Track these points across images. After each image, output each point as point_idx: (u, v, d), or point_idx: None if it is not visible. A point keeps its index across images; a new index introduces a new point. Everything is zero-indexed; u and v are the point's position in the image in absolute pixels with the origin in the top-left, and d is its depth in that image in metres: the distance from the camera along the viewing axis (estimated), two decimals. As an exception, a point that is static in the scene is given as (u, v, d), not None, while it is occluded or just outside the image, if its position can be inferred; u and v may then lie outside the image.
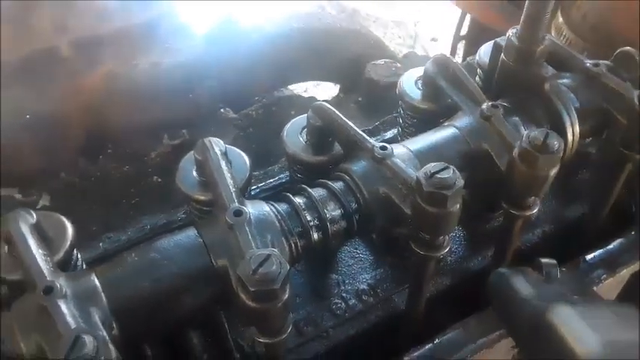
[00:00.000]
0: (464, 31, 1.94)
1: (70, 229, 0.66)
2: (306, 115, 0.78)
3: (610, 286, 0.82)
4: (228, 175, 0.66)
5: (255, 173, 0.89)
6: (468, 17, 1.84)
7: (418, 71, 0.85)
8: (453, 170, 0.60)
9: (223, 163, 0.67)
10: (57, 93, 1.01)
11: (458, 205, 0.60)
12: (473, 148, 0.73)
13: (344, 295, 0.80)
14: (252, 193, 0.86)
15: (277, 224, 0.64)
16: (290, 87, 1.28)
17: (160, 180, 1.05)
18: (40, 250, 0.59)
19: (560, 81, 0.78)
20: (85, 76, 1.03)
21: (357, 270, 0.83)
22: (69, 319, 0.54)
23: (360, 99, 1.21)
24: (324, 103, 0.74)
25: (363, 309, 0.79)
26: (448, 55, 1.85)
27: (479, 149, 0.73)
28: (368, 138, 0.71)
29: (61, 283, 0.57)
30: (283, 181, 0.90)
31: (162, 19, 1.07)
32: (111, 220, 0.97)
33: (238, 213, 0.61)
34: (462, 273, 0.83)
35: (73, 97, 1.02)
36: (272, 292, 0.53)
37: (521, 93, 0.78)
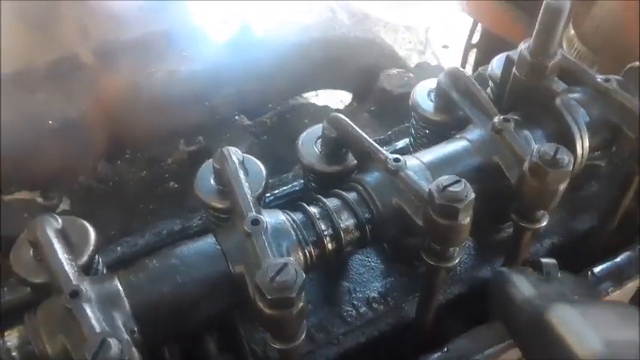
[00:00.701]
0: (475, 38, 1.95)
1: (92, 234, 0.68)
2: (320, 124, 0.80)
3: (617, 298, 0.83)
4: (245, 185, 0.68)
5: (270, 181, 0.91)
6: (479, 26, 1.85)
7: (431, 83, 0.87)
8: (465, 184, 0.62)
9: (241, 173, 0.69)
10: (79, 99, 1.04)
11: (469, 218, 0.62)
12: (484, 161, 0.75)
13: (355, 302, 0.82)
14: (267, 200, 0.88)
15: (293, 233, 0.66)
16: (303, 95, 1.30)
17: (176, 185, 1.08)
18: (66, 255, 0.62)
19: (571, 95, 0.80)
20: (106, 83, 1.06)
21: (368, 278, 0.85)
22: (93, 322, 0.56)
23: (372, 108, 1.23)
24: (339, 114, 0.76)
25: (374, 317, 0.80)
26: (460, 64, 1.86)
27: (490, 162, 0.74)
28: (382, 149, 0.72)
29: (86, 287, 0.59)
30: (297, 189, 0.91)
31: (181, 28, 1.10)
32: (128, 224, 0.99)
33: (255, 222, 0.64)
34: (471, 282, 0.84)
35: (94, 104, 1.05)
36: (288, 300, 0.54)
37: (532, 107, 0.79)
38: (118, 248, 0.85)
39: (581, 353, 0.49)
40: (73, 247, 0.65)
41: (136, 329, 0.59)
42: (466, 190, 0.61)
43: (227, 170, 0.69)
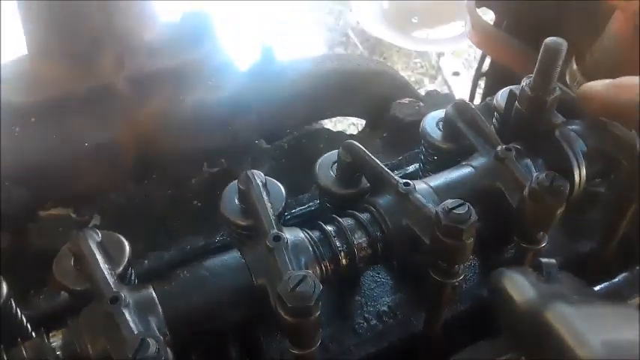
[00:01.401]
0: (485, 66, 2.01)
1: (127, 247, 0.75)
2: (335, 150, 0.86)
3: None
4: (268, 205, 0.74)
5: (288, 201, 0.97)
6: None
7: (439, 113, 0.93)
8: (468, 207, 0.68)
9: (264, 193, 0.76)
10: (112, 124, 1.12)
11: (472, 238, 0.68)
12: (487, 186, 0.81)
13: (366, 315, 0.87)
14: (285, 219, 0.94)
15: (310, 249, 0.73)
16: (319, 121, 1.37)
17: (199, 204, 1.15)
18: (106, 265, 0.68)
19: (570, 127, 0.86)
20: (137, 109, 1.15)
21: (379, 293, 0.90)
22: (132, 325, 0.62)
23: (384, 134, 1.29)
24: (353, 141, 0.83)
25: (384, 329, 0.85)
26: (469, 92, 1.92)
27: (493, 187, 0.81)
28: (393, 175, 0.79)
29: (125, 293, 0.65)
30: (312, 209, 0.98)
31: (208, 58, 1.18)
32: (155, 239, 1.06)
33: (277, 238, 0.70)
34: (476, 299, 0.89)
35: (126, 128, 1.13)
36: (307, 309, 0.60)
37: (533, 137, 0.85)
38: (145, 262, 0.91)
39: (581, 353, 0.48)
40: (110, 259, 0.72)
41: (168, 333, 0.66)
42: (469, 213, 0.67)
43: (251, 191, 0.76)
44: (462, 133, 0.87)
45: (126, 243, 0.75)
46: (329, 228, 0.76)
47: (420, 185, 0.79)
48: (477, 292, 0.90)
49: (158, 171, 1.19)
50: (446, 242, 0.67)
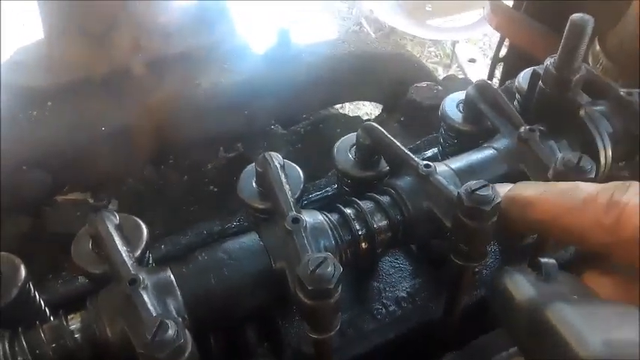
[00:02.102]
0: (502, 52, 1.98)
1: (145, 231, 0.74)
2: (353, 133, 0.85)
3: None
4: (286, 187, 0.73)
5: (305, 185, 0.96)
6: (507, 40, 1.89)
7: (459, 95, 0.91)
8: (492, 188, 0.66)
9: (282, 176, 0.74)
10: (129, 108, 1.12)
11: (495, 219, 0.66)
12: (510, 168, 0.79)
13: (384, 301, 0.86)
14: (302, 204, 0.93)
15: (329, 232, 0.72)
16: (335, 106, 1.36)
17: (216, 189, 1.14)
18: (125, 247, 0.68)
19: (595, 108, 0.83)
20: (154, 93, 1.14)
21: (397, 279, 0.89)
22: (150, 307, 0.62)
23: (402, 119, 1.28)
24: (373, 123, 0.81)
25: (402, 315, 0.84)
26: (487, 78, 1.89)
27: (516, 169, 0.79)
28: (413, 156, 0.77)
29: (143, 276, 0.65)
30: (330, 193, 0.97)
31: (224, 42, 1.17)
32: (171, 224, 1.06)
33: (296, 220, 0.69)
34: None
35: (143, 113, 1.13)
36: (327, 291, 0.59)
37: (557, 118, 0.83)
38: (162, 246, 0.91)
39: (581, 353, 0.48)
40: (128, 242, 0.72)
41: (186, 316, 0.65)
42: (493, 194, 0.65)
43: (269, 173, 0.75)
44: (484, 115, 0.85)
45: (144, 226, 0.75)
46: (348, 211, 0.75)
47: (440, 167, 0.77)
48: (498, 277, 0.89)
49: (174, 156, 1.18)
50: (468, 225, 0.66)
